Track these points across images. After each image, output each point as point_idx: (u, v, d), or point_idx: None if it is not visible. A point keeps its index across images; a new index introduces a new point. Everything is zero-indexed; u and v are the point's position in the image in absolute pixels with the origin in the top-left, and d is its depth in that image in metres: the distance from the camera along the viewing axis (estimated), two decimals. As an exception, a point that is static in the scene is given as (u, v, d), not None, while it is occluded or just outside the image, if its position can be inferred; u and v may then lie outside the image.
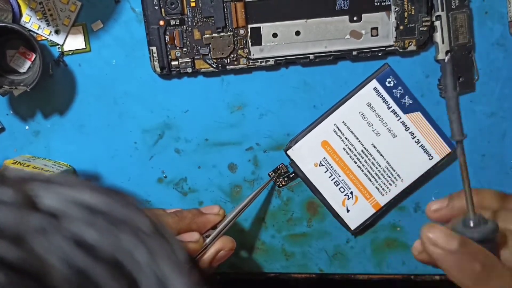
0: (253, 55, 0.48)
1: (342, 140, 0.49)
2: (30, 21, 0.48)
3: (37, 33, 0.48)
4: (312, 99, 0.49)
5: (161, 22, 0.47)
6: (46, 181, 0.20)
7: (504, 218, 0.32)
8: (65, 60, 0.49)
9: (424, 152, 0.49)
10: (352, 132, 0.48)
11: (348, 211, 0.50)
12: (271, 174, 0.50)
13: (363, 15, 0.47)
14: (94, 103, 0.49)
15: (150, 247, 0.20)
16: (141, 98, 0.49)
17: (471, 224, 0.31)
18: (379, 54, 0.48)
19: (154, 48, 0.47)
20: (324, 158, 0.49)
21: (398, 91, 0.48)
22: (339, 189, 0.49)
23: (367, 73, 0.49)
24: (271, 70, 0.49)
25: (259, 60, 0.48)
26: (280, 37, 0.47)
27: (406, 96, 0.48)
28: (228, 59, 0.48)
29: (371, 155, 0.49)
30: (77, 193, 0.20)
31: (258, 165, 0.50)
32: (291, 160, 0.49)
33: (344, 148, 0.49)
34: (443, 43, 0.48)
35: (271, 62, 0.48)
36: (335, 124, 0.48)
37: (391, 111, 0.48)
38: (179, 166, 0.50)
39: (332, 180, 0.49)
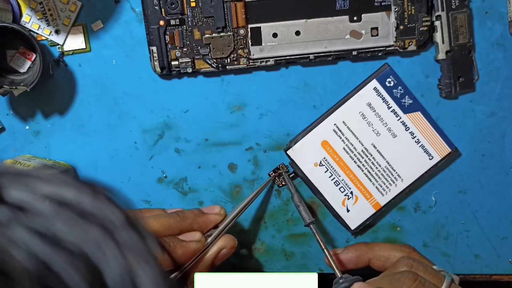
0: (253, 55, 0.48)
1: (342, 140, 0.49)
2: (30, 21, 0.48)
3: (37, 33, 0.48)
4: (312, 99, 0.49)
5: (161, 22, 0.47)
6: (15, 174, 0.20)
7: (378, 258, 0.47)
8: (65, 60, 0.49)
9: (424, 152, 0.49)
10: (352, 132, 0.48)
11: (348, 211, 0.50)
12: (271, 174, 0.50)
13: (363, 15, 0.47)
14: (94, 103, 0.49)
15: (119, 239, 0.19)
16: (141, 98, 0.49)
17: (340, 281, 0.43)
18: (379, 54, 0.48)
19: (154, 48, 0.47)
20: (324, 158, 0.49)
21: (398, 91, 0.48)
22: (339, 189, 0.49)
23: (367, 73, 0.49)
24: (271, 70, 0.49)
25: (259, 60, 0.48)
26: (280, 37, 0.47)
27: (406, 96, 0.48)
28: (228, 59, 0.48)
29: (371, 155, 0.49)
30: (45, 186, 0.20)
31: (258, 165, 0.50)
32: (291, 160, 0.49)
33: (344, 148, 0.49)
34: (443, 43, 0.48)
35: (271, 62, 0.48)
36: (335, 124, 0.48)
37: (391, 111, 0.48)
38: (179, 166, 0.50)
39: (332, 180, 0.49)
